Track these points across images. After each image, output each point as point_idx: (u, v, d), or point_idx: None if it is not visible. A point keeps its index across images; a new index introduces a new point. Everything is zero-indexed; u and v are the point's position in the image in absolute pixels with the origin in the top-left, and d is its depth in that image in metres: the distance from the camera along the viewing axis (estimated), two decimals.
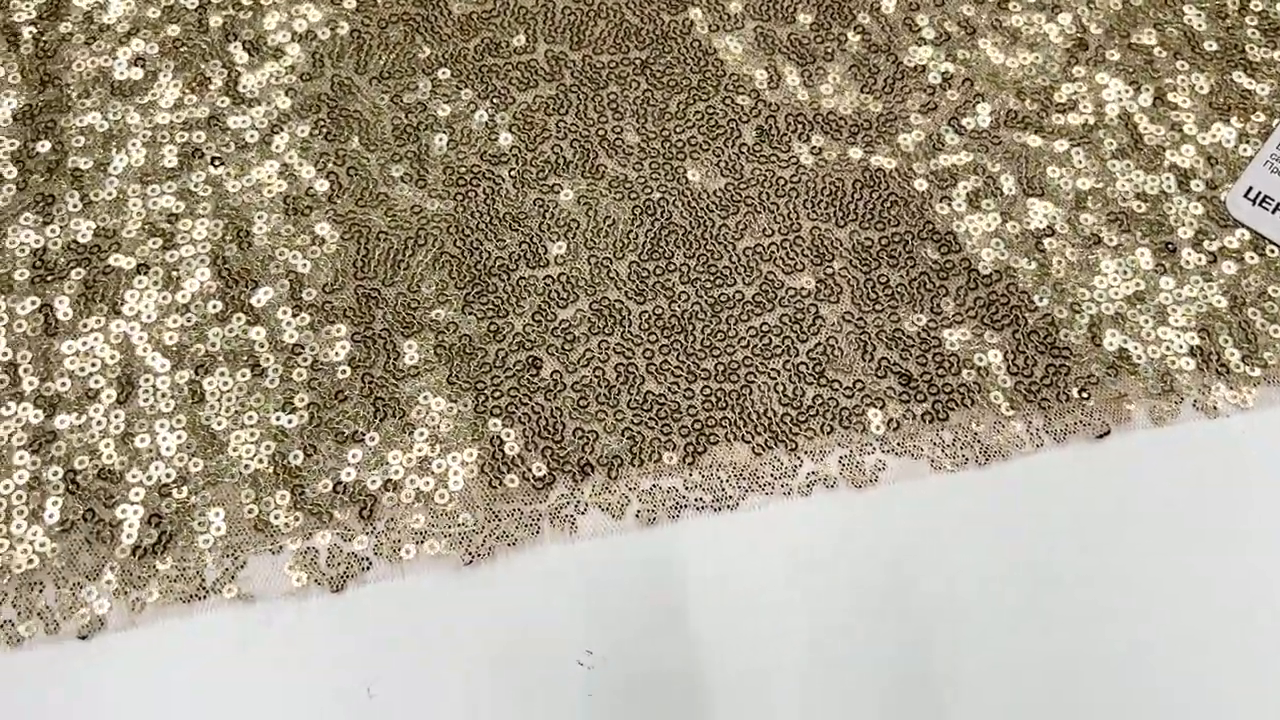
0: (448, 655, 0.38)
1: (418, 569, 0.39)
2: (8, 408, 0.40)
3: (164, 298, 0.42)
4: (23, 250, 0.42)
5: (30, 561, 0.38)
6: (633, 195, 0.44)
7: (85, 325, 0.41)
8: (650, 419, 0.41)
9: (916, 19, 0.48)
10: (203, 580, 0.38)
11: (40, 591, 0.38)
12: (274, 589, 0.38)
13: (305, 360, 0.41)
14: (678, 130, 0.45)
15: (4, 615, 0.38)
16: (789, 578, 0.39)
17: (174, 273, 0.42)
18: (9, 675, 0.37)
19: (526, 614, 0.38)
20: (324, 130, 0.45)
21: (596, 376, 0.41)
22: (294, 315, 0.42)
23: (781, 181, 0.45)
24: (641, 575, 0.39)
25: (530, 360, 0.41)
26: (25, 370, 0.41)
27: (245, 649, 0.37)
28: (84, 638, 0.38)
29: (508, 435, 0.40)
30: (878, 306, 0.43)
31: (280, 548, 0.39)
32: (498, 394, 0.41)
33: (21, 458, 0.39)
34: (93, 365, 0.41)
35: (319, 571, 0.39)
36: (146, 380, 0.41)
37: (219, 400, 0.40)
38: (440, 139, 0.45)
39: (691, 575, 0.39)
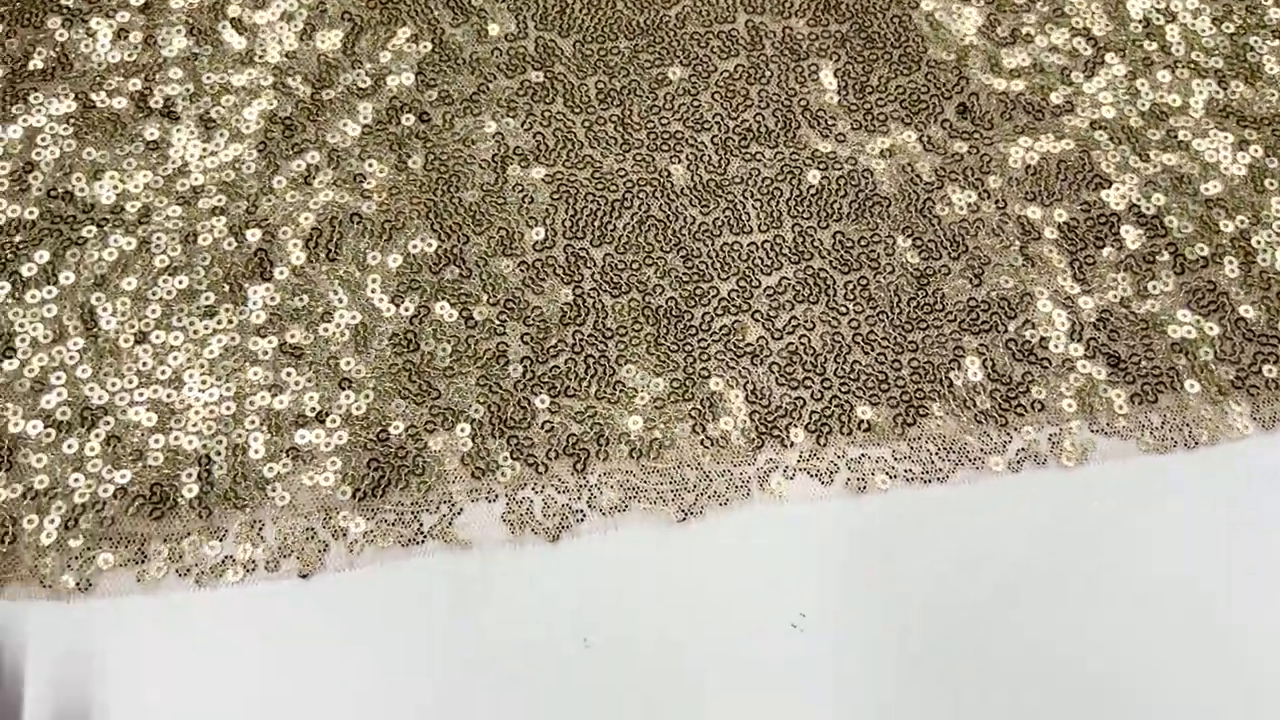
0: (662, 609, 0.38)
1: (631, 523, 0.39)
2: (232, 354, 0.41)
3: (381, 246, 0.43)
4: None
5: (253, 500, 0.39)
6: (836, 165, 0.45)
7: (306, 271, 0.42)
8: (858, 389, 0.41)
9: (1122, 9, 0.48)
10: (420, 525, 0.39)
11: (260, 530, 0.39)
12: (490, 536, 0.39)
13: (518, 315, 0.42)
14: (879, 104, 0.46)
15: (225, 551, 0.39)
16: (995, 552, 0.39)
17: (388, 223, 0.43)
18: (232, 609, 0.38)
19: (739, 573, 0.38)
20: (529, 91, 0.45)
21: (802, 344, 0.42)
22: (506, 270, 0.42)
23: (986, 159, 0.45)
24: (851, 542, 0.39)
25: (736, 325, 0.42)
26: (245, 314, 0.41)
27: (461, 594, 0.38)
28: (304, 576, 0.38)
29: (718, 398, 0.41)
30: (1086, 287, 0.43)
31: (496, 496, 0.39)
32: (705, 357, 0.41)
33: (260, 400, 0.40)
34: (313, 310, 0.42)
35: (535, 521, 0.39)
36: (366, 326, 0.41)
37: (434, 349, 0.41)
38: (643, 103, 0.46)
39: (899, 545, 0.39)
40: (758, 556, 0.39)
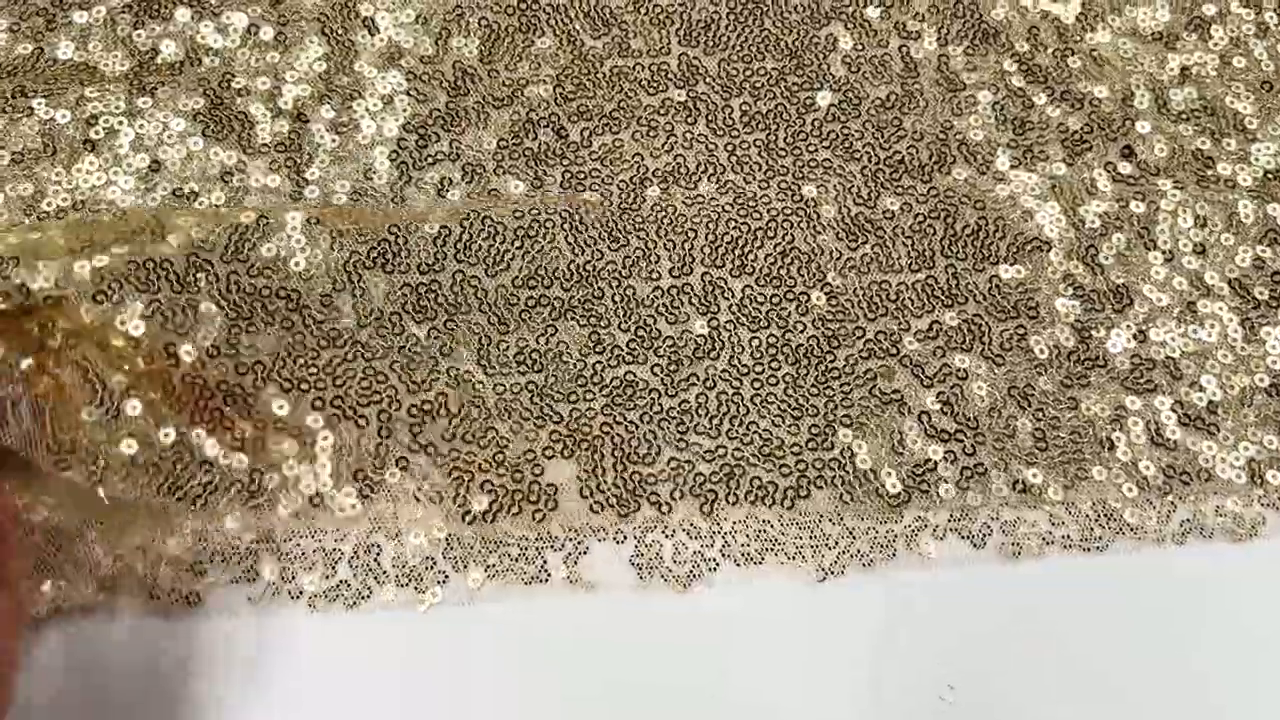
0: (797, 671, 0.36)
1: (766, 577, 0.37)
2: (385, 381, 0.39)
3: (511, 255, 0.41)
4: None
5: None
6: (994, 205, 0.42)
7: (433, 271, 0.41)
8: (1013, 446, 0.38)
9: None
10: (544, 562, 0.37)
11: (377, 557, 0.37)
12: (617, 580, 0.37)
13: (649, 344, 0.40)
14: (1040, 142, 0.43)
15: (340, 575, 0.37)
16: (1155, 626, 0.37)
17: (520, 229, 0.41)
18: (348, 636, 0.36)
19: (883, 639, 0.36)
20: (671, 110, 0.43)
21: (954, 394, 0.39)
22: (641, 295, 0.41)
23: (1153, 206, 0.42)
24: (1004, 610, 0.37)
25: (882, 369, 0.40)
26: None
27: (585, 638, 0.36)
28: (423, 606, 0.37)
29: (859, 447, 0.38)
30: (1259, 349, 0.40)
31: (624, 538, 0.38)
32: (847, 403, 0.39)
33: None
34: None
35: (664, 567, 0.37)
36: (489, 339, 0.40)
37: (558, 370, 0.39)
38: (789, 128, 0.43)
39: (1055, 615, 0.37)
40: (903, 622, 0.36)
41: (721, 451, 0.38)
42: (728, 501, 0.38)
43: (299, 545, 0.37)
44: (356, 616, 0.36)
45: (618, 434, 0.38)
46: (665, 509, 0.38)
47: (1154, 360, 0.40)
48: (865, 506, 0.38)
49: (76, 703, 0.35)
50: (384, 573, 0.37)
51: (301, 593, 0.37)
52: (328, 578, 0.37)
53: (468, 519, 0.37)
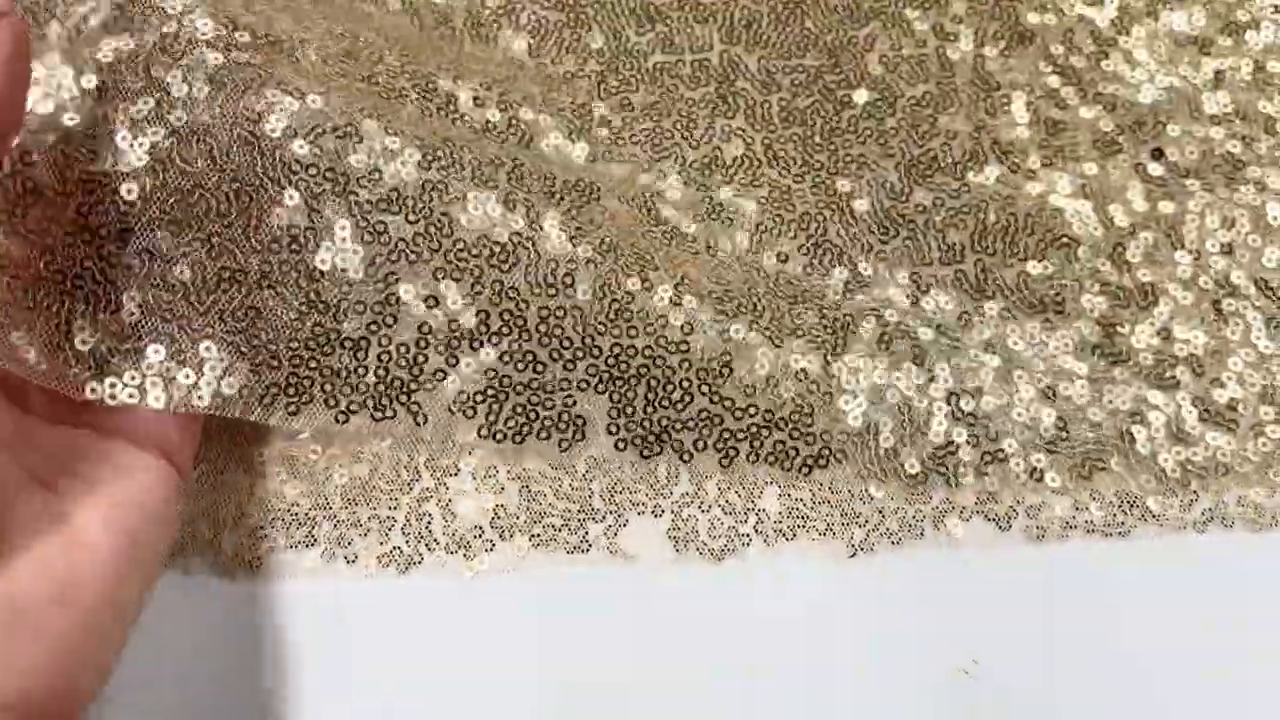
0: (826, 645, 0.37)
1: (797, 553, 0.39)
2: None
3: None
4: None
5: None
6: (1025, 201, 0.44)
7: None
8: (1036, 436, 0.40)
9: None
10: (586, 533, 0.39)
11: (429, 525, 0.39)
12: (653, 552, 0.39)
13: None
14: (1071, 142, 0.44)
15: (394, 542, 0.39)
16: (1174, 611, 0.38)
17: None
18: (392, 601, 0.38)
19: (909, 614, 0.38)
20: (710, 104, 0.45)
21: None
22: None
23: (1182, 208, 0.43)
24: (1027, 591, 0.38)
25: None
26: None
27: (622, 608, 0.38)
28: (471, 574, 0.39)
29: (884, 425, 0.40)
30: None
31: (662, 511, 0.39)
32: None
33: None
34: None
35: (699, 541, 0.39)
36: None
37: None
38: (826, 125, 0.45)
39: (1077, 597, 0.38)
40: (929, 599, 0.38)
41: (753, 410, 0.40)
42: (748, 460, 0.39)
43: (355, 513, 0.39)
44: (406, 582, 0.39)
45: (654, 376, 0.39)
46: (686, 457, 0.39)
47: (1176, 357, 0.41)
48: (886, 486, 0.39)
49: (139, 664, 0.37)
50: (435, 540, 0.39)
51: (356, 558, 0.39)
52: (382, 544, 0.39)
53: (498, 439, 0.38)
